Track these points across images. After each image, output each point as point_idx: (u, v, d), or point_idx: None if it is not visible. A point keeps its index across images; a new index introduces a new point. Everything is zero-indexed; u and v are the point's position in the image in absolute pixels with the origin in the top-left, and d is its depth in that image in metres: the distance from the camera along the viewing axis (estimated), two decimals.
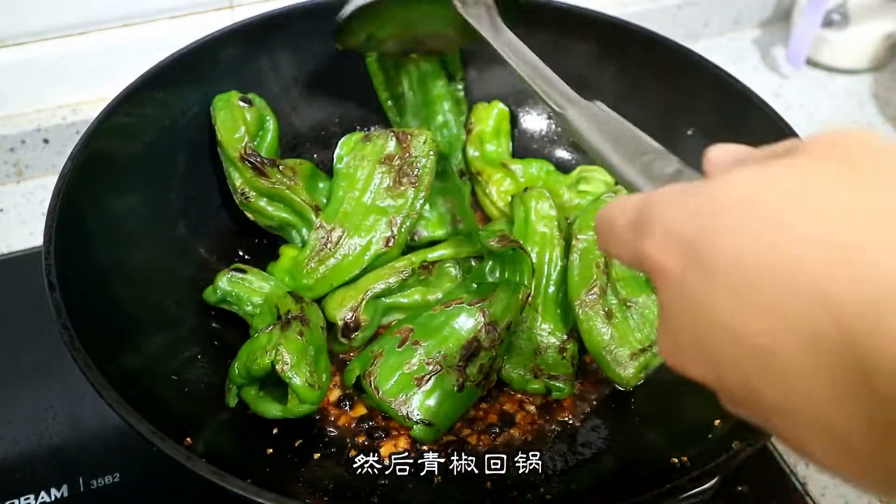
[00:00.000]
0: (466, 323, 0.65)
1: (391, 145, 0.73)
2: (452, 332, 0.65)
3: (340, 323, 0.67)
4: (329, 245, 0.71)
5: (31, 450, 0.66)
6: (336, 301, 0.69)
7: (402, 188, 0.72)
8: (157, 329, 0.64)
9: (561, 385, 0.66)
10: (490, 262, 0.71)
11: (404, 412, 0.62)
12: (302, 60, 0.82)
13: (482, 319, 0.65)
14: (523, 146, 0.89)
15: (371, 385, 0.63)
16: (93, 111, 0.90)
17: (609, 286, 0.69)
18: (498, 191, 0.81)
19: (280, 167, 0.73)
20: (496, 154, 0.84)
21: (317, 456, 0.62)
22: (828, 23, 1.08)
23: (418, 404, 0.63)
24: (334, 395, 0.66)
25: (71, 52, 0.89)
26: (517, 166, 0.82)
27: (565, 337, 0.69)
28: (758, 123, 0.73)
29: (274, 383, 0.61)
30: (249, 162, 0.71)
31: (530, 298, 0.69)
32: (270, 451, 0.61)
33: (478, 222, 0.80)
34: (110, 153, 0.67)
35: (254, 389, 0.62)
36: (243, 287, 0.68)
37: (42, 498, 0.63)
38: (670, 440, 0.61)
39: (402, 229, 0.71)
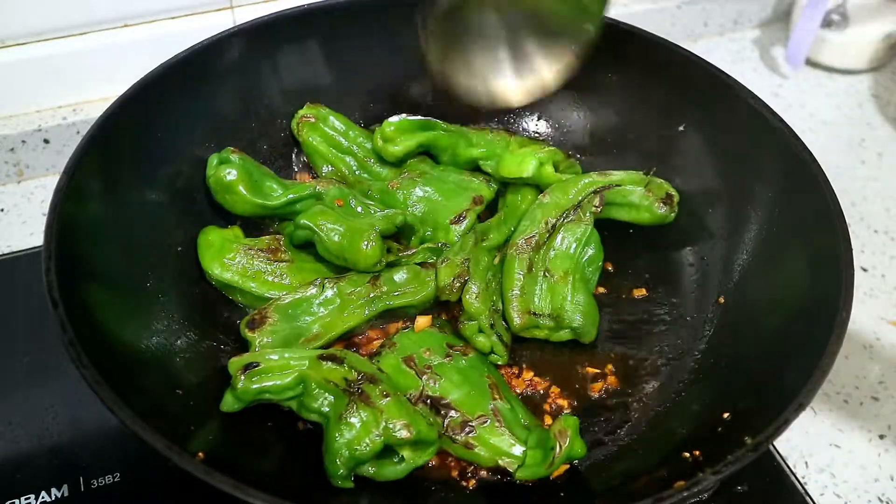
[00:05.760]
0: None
1: None
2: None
3: (248, 318, 0.67)
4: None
5: (31, 450, 0.67)
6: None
7: None
8: (164, 342, 0.64)
9: (501, 349, 0.67)
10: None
11: None
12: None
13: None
14: None
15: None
16: (93, 111, 0.91)
17: (545, 246, 0.71)
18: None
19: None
20: None
21: None
22: (828, 23, 1.08)
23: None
24: None
25: (71, 52, 0.89)
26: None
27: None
28: (747, 115, 0.73)
29: None
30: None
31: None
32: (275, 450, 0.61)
33: None
34: (109, 159, 0.67)
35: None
36: (269, 378, 0.60)
37: (42, 498, 0.63)
38: (680, 435, 0.61)
39: None
